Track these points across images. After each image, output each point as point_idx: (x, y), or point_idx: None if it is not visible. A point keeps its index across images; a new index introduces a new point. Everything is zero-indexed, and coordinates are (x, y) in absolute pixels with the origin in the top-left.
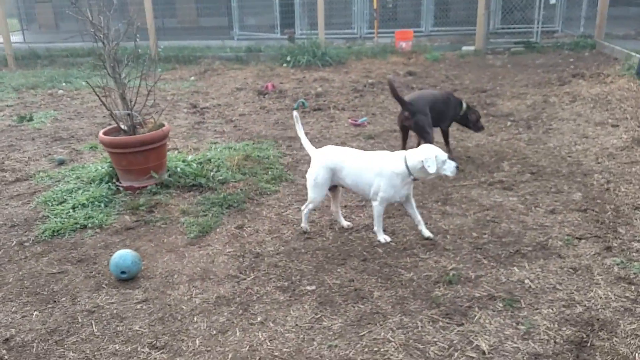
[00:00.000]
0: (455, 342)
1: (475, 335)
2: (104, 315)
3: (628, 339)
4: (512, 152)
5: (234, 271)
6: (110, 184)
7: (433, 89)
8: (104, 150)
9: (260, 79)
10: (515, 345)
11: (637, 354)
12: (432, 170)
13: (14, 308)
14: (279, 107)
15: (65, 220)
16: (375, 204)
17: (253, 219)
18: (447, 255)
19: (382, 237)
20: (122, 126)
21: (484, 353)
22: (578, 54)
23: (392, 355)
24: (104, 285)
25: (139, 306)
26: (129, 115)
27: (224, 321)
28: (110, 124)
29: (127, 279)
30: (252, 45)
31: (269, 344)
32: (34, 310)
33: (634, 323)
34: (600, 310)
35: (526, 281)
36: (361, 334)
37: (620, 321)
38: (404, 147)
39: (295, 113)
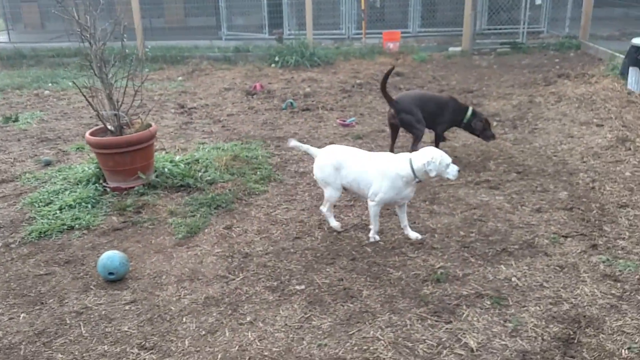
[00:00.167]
0: (443, 339)
1: (464, 333)
2: (92, 316)
3: (614, 335)
4: (498, 152)
5: (223, 271)
6: (97, 184)
7: (435, 92)
8: (90, 151)
9: (248, 79)
10: (503, 342)
11: (623, 350)
12: (432, 174)
13: (0, 310)
14: (267, 108)
15: (52, 221)
16: (372, 204)
17: (242, 219)
18: (435, 254)
19: (374, 236)
20: (109, 127)
21: (472, 350)
22: (563, 55)
23: (381, 353)
24: (92, 287)
25: (127, 307)
26: (115, 115)
27: (213, 321)
28: (97, 125)
29: (115, 280)
30: (240, 45)
31: (258, 343)
32: (21, 312)
33: (620, 320)
34: (586, 307)
35: (513, 279)
36: (350, 332)
37: (607, 318)
38: (392, 146)
39: (296, 143)
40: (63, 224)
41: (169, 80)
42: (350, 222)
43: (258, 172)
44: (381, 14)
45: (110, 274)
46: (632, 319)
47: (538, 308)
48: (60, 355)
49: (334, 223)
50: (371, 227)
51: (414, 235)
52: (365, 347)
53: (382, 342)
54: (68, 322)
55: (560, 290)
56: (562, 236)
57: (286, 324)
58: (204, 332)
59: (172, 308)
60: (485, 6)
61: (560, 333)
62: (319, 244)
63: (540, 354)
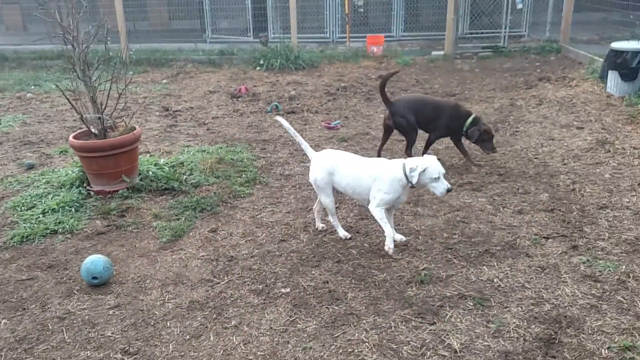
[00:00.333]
0: (427, 341)
1: (447, 334)
2: (75, 321)
3: (594, 335)
4: (480, 154)
5: (208, 275)
6: (81, 188)
7: (434, 96)
8: (74, 154)
9: (233, 82)
10: (486, 343)
11: (603, 350)
12: (413, 180)
13: None
14: (252, 110)
15: (35, 225)
16: (372, 207)
17: (227, 222)
18: (419, 256)
19: (392, 242)
20: (93, 130)
21: (455, 352)
22: (544, 58)
23: (366, 355)
24: (75, 291)
25: (111, 312)
26: (99, 118)
27: (198, 326)
28: (80, 128)
29: (99, 284)
30: (225, 48)
31: (243, 347)
32: (2, 318)
33: (600, 319)
34: (567, 307)
35: (495, 280)
36: (335, 335)
37: (587, 318)
38: (381, 147)
39: (283, 122)
40: (46, 228)
41: (154, 83)
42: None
43: (243, 175)
44: (365, 18)
45: (94, 278)
46: (612, 319)
47: (520, 309)
48: None
49: (342, 233)
50: (385, 233)
51: (398, 237)
52: (350, 350)
53: (367, 344)
54: (50, 327)
55: (541, 291)
56: (543, 237)
57: (271, 328)
58: (188, 337)
59: (157, 312)
60: (468, 11)
61: (542, 333)
62: (304, 246)
63: (522, 355)
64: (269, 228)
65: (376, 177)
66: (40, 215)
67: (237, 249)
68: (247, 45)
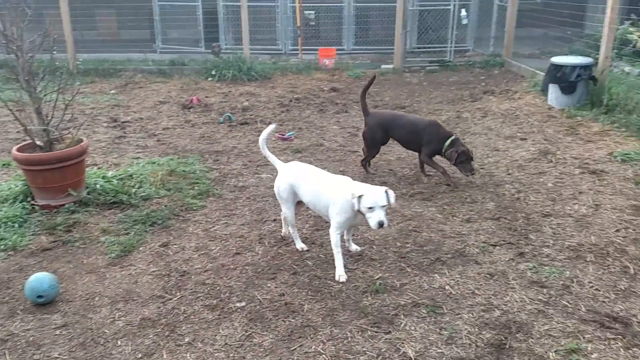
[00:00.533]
0: (383, 350)
1: (402, 342)
2: (19, 343)
3: (542, 339)
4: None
5: (159, 291)
6: (24, 202)
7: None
8: (17, 167)
9: (184, 93)
10: (439, 350)
11: (550, 353)
12: (354, 206)
13: None
14: (204, 121)
15: None
16: (331, 230)
17: (179, 236)
18: (373, 265)
19: (342, 270)
20: (38, 142)
21: (410, 359)
22: (488, 72)
23: None
24: (18, 311)
25: (58, 332)
26: (45, 130)
27: (150, 344)
28: (25, 140)
29: (45, 303)
30: (176, 58)
31: None
32: None
33: (547, 324)
34: (516, 313)
35: (447, 287)
36: (292, 348)
37: (535, 323)
38: (367, 160)
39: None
40: None
41: (102, 93)
42: (290, 237)
43: (196, 187)
44: (316, 31)
45: (39, 297)
46: (558, 323)
47: (471, 315)
48: None
49: (299, 245)
50: (335, 262)
51: (354, 247)
52: None
53: (324, 356)
54: None
55: (491, 297)
56: (491, 245)
57: (226, 343)
58: (140, 355)
59: (106, 331)
60: (415, 26)
61: (493, 339)
62: (259, 259)
63: None
64: (223, 241)
65: (331, 198)
66: None
67: (190, 263)
68: (198, 55)
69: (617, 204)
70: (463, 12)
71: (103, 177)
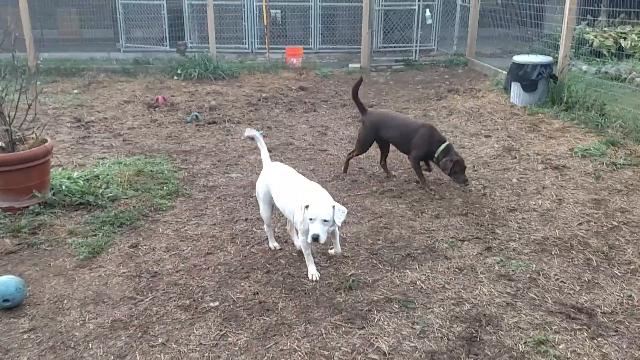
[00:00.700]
0: (357, 345)
1: (376, 338)
2: None
3: (512, 332)
4: (399, 163)
5: (130, 292)
6: None
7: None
8: None
9: (149, 92)
10: (412, 344)
11: (520, 345)
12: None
13: None
14: (171, 121)
15: None
16: (300, 237)
17: (148, 236)
18: (346, 262)
19: (314, 270)
20: (0, 143)
21: (384, 354)
22: (452, 71)
23: None
24: None
25: (25, 336)
26: (7, 131)
27: (122, 345)
28: None
29: (11, 307)
30: (140, 57)
31: None
32: None
33: (516, 316)
34: (485, 306)
35: (418, 282)
36: (267, 346)
37: (504, 315)
38: (383, 159)
39: (255, 133)
40: None
41: (64, 93)
42: (263, 236)
43: (165, 187)
44: (283, 30)
45: (5, 300)
46: (526, 315)
47: (442, 309)
48: None
49: (272, 244)
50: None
51: (331, 251)
52: None
53: (299, 353)
54: None
55: (461, 291)
56: (460, 240)
57: (201, 343)
58: (112, 358)
59: (77, 334)
60: (381, 25)
61: (464, 332)
62: (232, 258)
63: (447, 354)
64: (194, 241)
65: (294, 206)
66: None
67: (161, 264)
68: (163, 54)
69: (579, 198)
70: (427, 13)
71: (68, 178)
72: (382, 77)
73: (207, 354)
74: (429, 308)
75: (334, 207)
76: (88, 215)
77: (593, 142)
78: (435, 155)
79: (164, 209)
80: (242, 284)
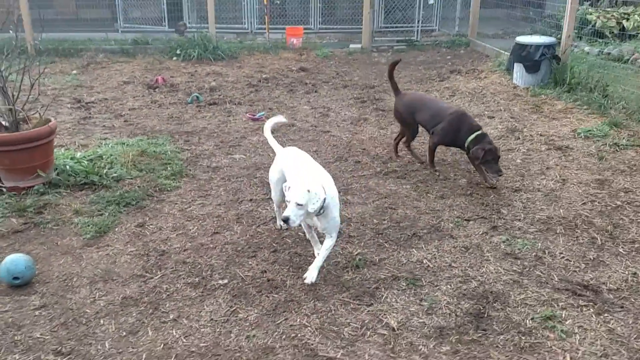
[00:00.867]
0: (366, 321)
1: (384, 314)
2: None
3: (519, 308)
4: (402, 144)
5: (139, 270)
6: None
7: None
8: None
9: (149, 73)
10: (421, 320)
11: (527, 320)
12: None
13: None
14: (171, 102)
15: None
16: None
17: (154, 216)
18: (352, 242)
19: (317, 272)
20: (4, 122)
21: (393, 329)
22: (454, 52)
23: (309, 339)
24: None
25: (37, 312)
26: (10, 110)
27: (134, 322)
28: None
29: (21, 284)
30: (139, 37)
31: (184, 340)
32: None
33: (523, 293)
34: (492, 283)
35: (424, 261)
36: (278, 322)
37: (511, 292)
38: (398, 140)
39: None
40: None
41: (63, 74)
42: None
43: (168, 168)
44: (283, 10)
45: (15, 278)
46: (533, 292)
47: (449, 287)
48: None
49: (279, 222)
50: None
51: (316, 251)
52: (293, 335)
53: (309, 328)
54: None
55: (467, 270)
56: (465, 220)
57: (212, 319)
58: (124, 333)
59: (88, 311)
60: (382, 5)
61: (472, 308)
62: (238, 238)
63: (455, 329)
64: (200, 221)
65: None
66: None
67: (168, 243)
68: (162, 34)
69: (582, 178)
70: None
71: (72, 158)
72: (383, 58)
73: (218, 329)
74: (437, 286)
75: (309, 190)
76: (93, 195)
77: (596, 123)
78: (466, 145)
79: (169, 189)
80: (250, 263)
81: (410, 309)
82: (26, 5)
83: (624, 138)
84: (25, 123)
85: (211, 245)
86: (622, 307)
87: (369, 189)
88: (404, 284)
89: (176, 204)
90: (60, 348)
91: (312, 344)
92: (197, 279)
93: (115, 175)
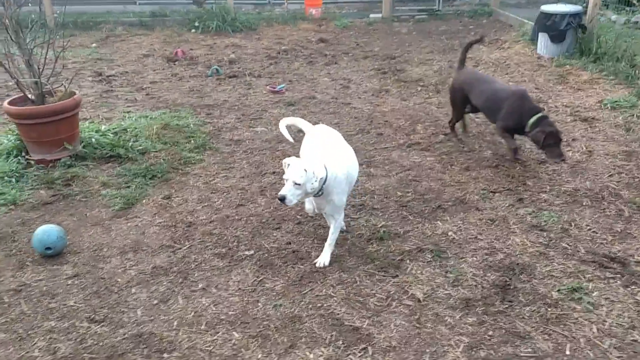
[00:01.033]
0: (392, 292)
1: (410, 285)
2: (32, 293)
3: (545, 280)
4: (425, 115)
5: (168, 241)
6: (19, 157)
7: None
8: (9, 121)
9: (168, 45)
10: (447, 292)
11: (553, 292)
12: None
13: None
14: (192, 74)
15: None
16: None
17: (180, 188)
18: (376, 214)
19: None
20: (30, 95)
21: (419, 301)
22: (477, 22)
23: (335, 309)
24: (28, 263)
25: (70, 281)
26: (36, 83)
27: (165, 290)
28: (8, 95)
29: (53, 255)
30: (157, 10)
31: (214, 308)
32: None
33: (549, 265)
34: (518, 255)
35: (450, 233)
36: (304, 292)
37: (537, 264)
38: (454, 121)
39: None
40: None
41: (82, 47)
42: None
43: (192, 141)
44: None
45: (48, 248)
46: (559, 264)
47: (475, 259)
48: (3, 335)
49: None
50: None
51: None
52: (319, 305)
53: (335, 298)
54: (6, 300)
55: (493, 242)
56: (491, 192)
57: (239, 288)
58: (156, 301)
59: (119, 280)
60: None
61: (497, 280)
62: (262, 210)
63: (481, 300)
64: (225, 193)
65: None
66: None
67: (195, 214)
68: (179, 6)
69: (609, 150)
70: None
71: (97, 131)
72: (404, 28)
73: (246, 298)
74: (462, 258)
75: (306, 170)
76: (119, 167)
77: (623, 93)
78: (527, 129)
79: (193, 162)
80: (275, 234)
81: (436, 281)
82: None
83: None
84: (51, 96)
85: (236, 217)
86: None
87: (392, 162)
88: (429, 256)
89: (200, 176)
90: (93, 315)
91: (338, 314)
92: (223, 250)
93: (140, 148)
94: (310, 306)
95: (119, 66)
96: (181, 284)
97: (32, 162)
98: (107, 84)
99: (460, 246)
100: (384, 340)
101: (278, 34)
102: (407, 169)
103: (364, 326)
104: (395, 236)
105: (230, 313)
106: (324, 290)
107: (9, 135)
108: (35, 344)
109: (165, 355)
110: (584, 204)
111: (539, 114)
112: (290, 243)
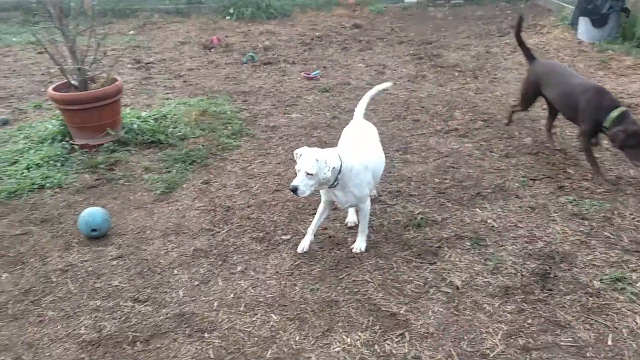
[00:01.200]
0: (430, 279)
1: (448, 273)
2: (79, 273)
3: (586, 269)
4: (462, 101)
5: (207, 225)
6: (63, 142)
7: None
8: (54, 107)
9: (203, 32)
10: (485, 279)
11: (595, 282)
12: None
13: None
14: (227, 62)
15: (21, 181)
16: None
17: (218, 174)
18: (413, 201)
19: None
20: (73, 81)
21: (457, 288)
22: (514, 6)
23: (372, 294)
24: (74, 244)
25: (114, 262)
26: (79, 69)
27: (205, 272)
28: (51, 82)
29: (98, 236)
30: None
31: (252, 290)
32: (3, 272)
33: (590, 254)
34: (559, 244)
35: (489, 221)
36: (340, 277)
37: (578, 253)
38: (549, 124)
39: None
40: (33, 184)
41: (120, 34)
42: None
43: (229, 127)
44: None
45: (93, 230)
46: (601, 253)
47: (515, 247)
48: (51, 313)
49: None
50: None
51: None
52: (356, 290)
53: (372, 284)
54: (54, 280)
55: (533, 230)
56: (531, 179)
57: (277, 272)
58: (197, 283)
59: (162, 261)
60: None
61: (537, 269)
62: None
63: (521, 289)
64: (262, 179)
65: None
66: (25, 171)
67: (233, 199)
68: None
69: None
70: None
71: (138, 117)
72: (440, 12)
73: (283, 282)
74: (502, 245)
75: (317, 160)
76: (160, 153)
77: None
78: (606, 126)
79: (230, 148)
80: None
81: (475, 268)
82: None
83: None
84: (93, 82)
85: (273, 202)
86: None
87: (429, 148)
88: (468, 243)
89: (238, 162)
90: (137, 295)
91: (375, 299)
92: (261, 234)
93: (180, 134)
94: (347, 291)
95: (157, 53)
96: (220, 266)
97: (76, 146)
98: (146, 71)
99: (499, 234)
100: (422, 327)
101: (312, 20)
102: (444, 156)
103: (401, 312)
104: (432, 223)
105: (268, 296)
106: (361, 275)
107: (53, 121)
108: (81, 322)
109: (206, 334)
110: (628, 192)
111: (620, 110)
112: (326, 229)
